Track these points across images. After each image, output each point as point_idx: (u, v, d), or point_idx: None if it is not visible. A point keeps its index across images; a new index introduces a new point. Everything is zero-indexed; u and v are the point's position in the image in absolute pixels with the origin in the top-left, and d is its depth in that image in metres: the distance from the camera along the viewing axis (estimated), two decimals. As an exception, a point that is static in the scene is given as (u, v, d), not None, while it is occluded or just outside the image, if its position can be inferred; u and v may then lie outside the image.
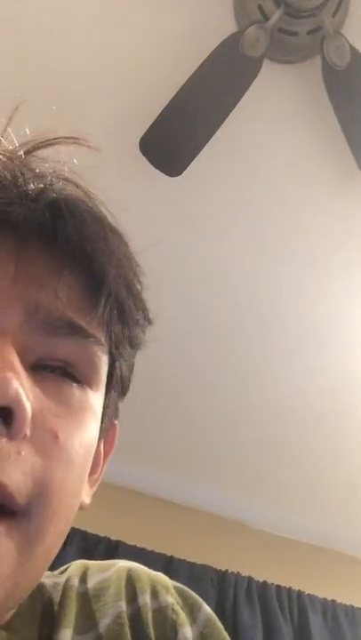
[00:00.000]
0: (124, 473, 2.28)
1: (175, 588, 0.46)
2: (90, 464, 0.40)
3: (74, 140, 0.39)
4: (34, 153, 0.37)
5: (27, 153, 0.37)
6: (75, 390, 0.36)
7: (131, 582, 0.44)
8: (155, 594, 0.44)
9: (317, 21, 1.23)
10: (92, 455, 0.39)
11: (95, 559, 1.86)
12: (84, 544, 2.02)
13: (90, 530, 2.05)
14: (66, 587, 0.43)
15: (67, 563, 1.81)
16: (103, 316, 0.36)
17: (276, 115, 1.42)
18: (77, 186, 0.38)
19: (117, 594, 0.43)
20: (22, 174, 0.35)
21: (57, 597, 0.42)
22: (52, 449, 0.33)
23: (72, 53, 1.35)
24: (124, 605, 0.42)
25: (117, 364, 0.41)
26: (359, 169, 1.36)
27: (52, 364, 0.35)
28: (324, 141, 1.45)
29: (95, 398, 0.38)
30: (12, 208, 0.34)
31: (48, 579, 0.44)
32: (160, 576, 0.47)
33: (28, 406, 0.31)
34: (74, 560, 1.78)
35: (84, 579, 0.44)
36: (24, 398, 0.30)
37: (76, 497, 0.38)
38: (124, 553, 2.05)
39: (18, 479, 0.31)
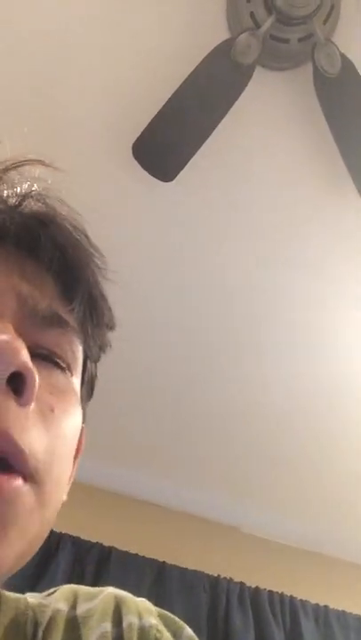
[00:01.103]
0: (117, 478, 2.28)
1: (159, 612, 0.49)
2: (74, 449, 0.42)
3: (40, 163, 0.44)
4: (8, 173, 0.42)
5: (4, 171, 0.42)
6: (60, 375, 0.39)
7: (117, 606, 0.46)
8: (140, 616, 0.46)
9: (309, 29, 1.24)
10: (77, 441, 0.42)
11: (88, 565, 1.86)
12: (76, 550, 2.01)
13: (82, 536, 2.05)
14: (54, 610, 0.45)
15: (60, 568, 1.81)
16: (80, 311, 0.41)
17: (267, 121, 1.43)
18: (53, 199, 0.43)
19: (103, 616, 0.45)
20: (5, 191, 0.41)
21: (43, 619, 0.43)
22: (51, 422, 0.36)
23: (66, 59, 1.36)
24: (109, 627, 0.44)
25: (89, 362, 0.46)
26: (350, 174, 1.37)
27: (40, 352, 0.38)
28: (316, 147, 1.46)
29: (77, 384, 0.42)
30: None
31: (34, 599, 0.46)
32: (146, 602, 0.49)
33: (36, 375, 0.33)
34: (66, 565, 1.78)
35: (74, 605, 0.46)
36: (32, 365, 0.33)
37: (68, 475, 0.40)
38: (116, 559, 2.04)
39: (31, 445, 0.33)
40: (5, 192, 0.41)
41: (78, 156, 1.49)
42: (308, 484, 2.25)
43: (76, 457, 0.48)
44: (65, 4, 1.29)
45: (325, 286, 1.72)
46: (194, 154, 1.34)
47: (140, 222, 1.62)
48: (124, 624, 0.44)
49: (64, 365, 0.40)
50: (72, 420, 0.39)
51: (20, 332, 0.35)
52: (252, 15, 1.24)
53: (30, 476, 0.33)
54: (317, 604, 2.20)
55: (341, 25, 1.28)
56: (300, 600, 2.18)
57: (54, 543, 1.99)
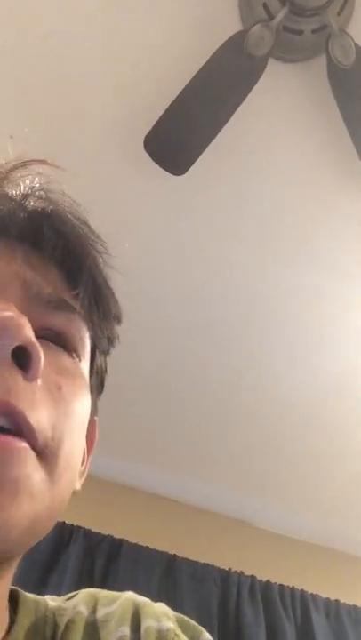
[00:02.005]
0: (128, 471, 2.29)
1: (177, 617, 0.49)
2: (84, 434, 0.42)
3: (43, 162, 0.45)
4: (13, 172, 0.44)
5: (9, 171, 0.44)
6: (67, 358, 0.40)
7: (136, 611, 0.46)
8: (158, 620, 0.46)
9: (323, 20, 1.22)
10: (86, 425, 0.42)
11: (98, 558, 1.88)
12: (87, 542, 2.03)
13: (93, 528, 2.06)
14: (74, 612, 0.45)
15: (71, 560, 1.83)
16: (85, 297, 0.42)
17: (280, 114, 1.42)
18: (56, 193, 0.44)
19: (122, 620, 0.45)
20: (10, 188, 0.42)
21: (61, 621, 0.44)
22: (59, 399, 0.36)
23: (77, 52, 1.35)
24: (127, 631, 0.44)
25: (97, 353, 0.46)
26: (364, 168, 1.36)
27: (46, 334, 0.39)
28: (330, 140, 1.44)
29: (85, 368, 0.42)
30: (3, 214, 0.41)
31: (55, 602, 0.46)
32: (163, 606, 0.49)
33: (41, 350, 0.33)
34: (77, 558, 1.80)
35: (94, 609, 0.46)
36: (37, 342, 0.33)
37: (79, 457, 0.41)
38: (127, 551, 2.05)
39: (40, 421, 0.33)
40: (10, 190, 0.42)
41: (90, 149, 1.49)
42: (319, 480, 2.25)
43: (89, 450, 0.48)
44: (76, 0, 1.29)
45: (336, 283, 1.70)
46: (206, 147, 1.34)
47: (151, 215, 1.62)
48: (142, 628, 0.45)
49: (71, 348, 0.41)
50: (81, 401, 0.39)
51: (26, 315, 0.35)
52: (265, 6, 1.23)
53: (40, 451, 0.34)
54: (328, 599, 2.20)
55: (356, 16, 1.26)
56: (311, 594, 2.18)
57: (66, 535, 2.00)
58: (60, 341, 0.40)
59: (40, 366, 0.34)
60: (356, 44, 1.22)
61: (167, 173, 1.40)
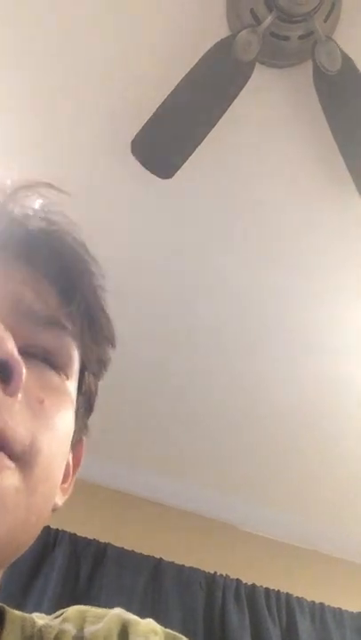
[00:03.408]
0: (112, 474, 2.28)
1: (166, 633, 0.48)
2: (67, 451, 0.42)
3: (48, 185, 0.45)
4: (19, 191, 0.44)
5: (14, 190, 0.44)
6: (54, 375, 0.40)
7: (124, 628, 0.46)
8: (146, 637, 0.46)
9: (309, 26, 1.23)
10: (70, 443, 0.42)
11: (84, 562, 1.87)
12: (72, 547, 2.01)
13: (78, 532, 2.05)
14: (61, 630, 0.44)
15: (56, 565, 1.82)
16: (77, 317, 0.42)
17: (267, 118, 1.43)
18: (57, 214, 0.44)
19: (109, 638, 0.45)
20: (13, 207, 0.43)
21: (49, 638, 0.43)
22: (40, 413, 0.36)
23: (65, 55, 1.35)
24: None
25: (86, 374, 0.46)
26: (349, 172, 1.37)
27: (33, 351, 0.39)
28: (315, 145, 1.46)
29: (71, 386, 0.42)
30: (3, 232, 0.41)
31: (42, 620, 0.46)
32: (151, 623, 0.49)
33: (23, 365, 0.33)
34: (62, 562, 1.79)
35: (81, 627, 0.46)
36: (19, 356, 0.33)
37: (59, 472, 0.40)
38: (112, 556, 2.04)
39: (18, 432, 0.33)
40: (13, 209, 0.43)
41: (77, 152, 1.48)
42: (305, 482, 2.26)
43: (75, 469, 0.48)
44: (66, 3, 1.28)
45: (325, 286, 1.72)
46: (193, 151, 1.34)
47: (138, 219, 1.62)
48: None
49: (58, 366, 0.40)
50: (63, 415, 0.39)
51: (13, 331, 0.35)
52: (252, 12, 1.24)
53: (17, 459, 0.33)
54: (314, 602, 2.21)
55: (342, 23, 1.28)
56: (297, 597, 2.18)
57: (51, 539, 1.99)
58: (48, 359, 0.40)
59: (21, 381, 0.33)
60: (341, 51, 1.23)
61: (155, 177, 1.40)
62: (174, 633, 0.49)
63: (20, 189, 0.44)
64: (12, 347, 0.33)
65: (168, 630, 0.49)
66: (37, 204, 0.44)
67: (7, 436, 0.33)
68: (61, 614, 0.48)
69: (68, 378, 0.41)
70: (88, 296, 0.43)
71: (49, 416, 0.37)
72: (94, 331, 0.44)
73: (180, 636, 0.48)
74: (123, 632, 0.46)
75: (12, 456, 0.33)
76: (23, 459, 0.34)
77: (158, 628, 0.48)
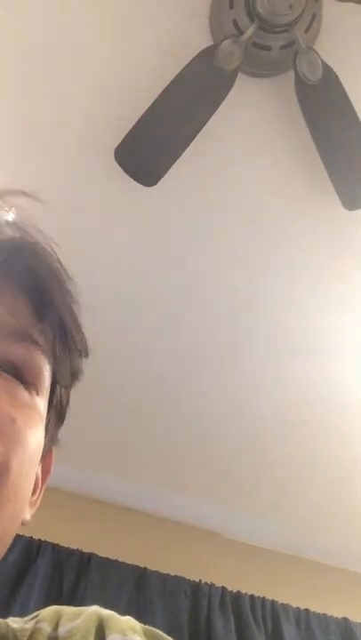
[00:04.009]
0: (95, 483, 2.26)
1: (145, 630, 0.47)
2: (37, 466, 0.42)
3: (22, 194, 0.45)
4: None
5: None
6: (24, 392, 0.40)
7: (100, 625, 0.45)
8: (124, 633, 0.45)
9: (290, 37, 1.25)
10: (39, 457, 0.42)
11: (67, 572, 1.85)
12: (55, 557, 1.99)
13: (61, 542, 2.03)
14: (35, 629, 0.44)
15: (39, 575, 1.80)
16: (50, 332, 0.42)
17: (250, 127, 1.44)
18: (30, 227, 0.44)
19: (86, 636, 0.44)
20: None
21: (24, 637, 0.43)
22: (11, 432, 0.36)
23: (48, 63, 1.35)
24: None
25: (58, 387, 0.46)
26: (331, 181, 1.39)
27: (5, 367, 0.39)
28: (297, 154, 1.47)
29: (41, 402, 0.42)
30: None
31: (17, 624, 0.45)
32: (130, 620, 0.48)
33: None
34: (45, 573, 1.77)
35: (56, 625, 0.45)
36: None
37: (28, 490, 0.40)
38: (96, 565, 2.02)
39: None
40: None
41: (60, 160, 1.48)
42: (289, 489, 2.26)
43: (44, 479, 0.48)
44: (50, 10, 1.29)
45: (307, 291, 1.73)
46: (177, 159, 1.35)
47: (121, 226, 1.62)
48: None
49: (29, 382, 0.40)
50: (34, 434, 0.39)
51: None
52: (234, 22, 1.25)
53: None
54: (299, 608, 2.21)
55: (323, 33, 1.29)
56: (282, 604, 2.18)
57: (34, 550, 1.97)
58: (19, 374, 0.40)
59: None
60: (322, 61, 1.25)
61: (138, 184, 1.40)
62: (154, 630, 0.48)
63: None
64: None
65: (147, 627, 0.48)
66: (11, 214, 0.43)
67: None
68: (35, 616, 0.47)
69: (37, 393, 0.41)
70: (62, 312, 0.43)
71: (20, 435, 0.37)
72: (67, 345, 0.44)
73: (160, 632, 0.47)
74: (100, 628, 0.45)
75: None
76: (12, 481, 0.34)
77: (137, 625, 0.47)
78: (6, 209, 0.44)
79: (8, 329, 0.39)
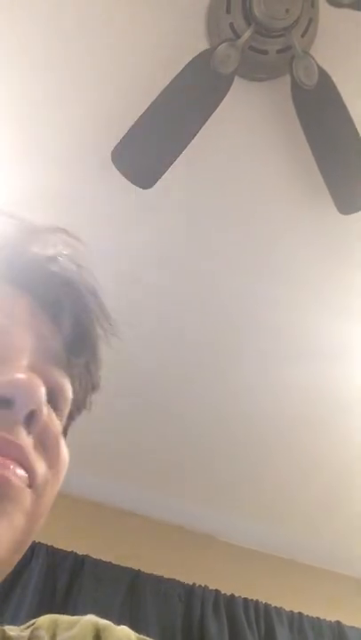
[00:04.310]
0: (90, 486, 2.26)
1: (139, 639, 0.49)
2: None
3: (64, 232, 0.48)
4: (44, 233, 0.47)
5: (39, 232, 0.47)
6: (55, 417, 0.42)
7: (97, 634, 0.47)
8: None
9: (287, 41, 1.25)
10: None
11: (61, 574, 1.84)
12: (49, 559, 1.99)
13: (55, 544, 2.02)
14: (32, 637, 0.45)
15: (33, 578, 1.79)
16: (78, 369, 0.46)
17: (245, 131, 1.45)
18: (77, 264, 0.47)
19: None
20: (38, 247, 0.46)
21: None
22: (49, 454, 0.39)
23: (46, 67, 1.35)
24: None
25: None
26: (326, 185, 1.39)
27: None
28: (293, 158, 1.48)
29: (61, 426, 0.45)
30: (28, 271, 0.44)
31: (13, 631, 0.46)
32: (125, 629, 0.49)
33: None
34: (39, 575, 1.76)
35: (53, 634, 0.46)
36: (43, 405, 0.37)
37: (51, 505, 0.43)
38: (90, 568, 2.02)
39: (37, 468, 0.37)
40: (38, 249, 0.45)
41: (57, 162, 1.48)
42: (283, 493, 2.27)
43: None
44: (48, 13, 1.29)
45: (304, 294, 1.73)
46: (173, 162, 1.35)
47: (118, 228, 1.62)
48: None
49: (58, 407, 0.43)
50: (64, 455, 0.42)
51: (34, 366, 0.39)
52: (231, 26, 1.26)
53: (34, 487, 0.37)
54: (292, 612, 2.21)
55: (319, 38, 1.30)
56: (275, 607, 2.18)
57: (28, 552, 1.95)
58: (52, 400, 0.42)
59: (41, 426, 0.37)
60: (318, 66, 1.26)
61: (135, 186, 1.40)
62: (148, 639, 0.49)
63: (44, 231, 0.46)
64: (42, 396, 0.36)
65: (142, 637, 0.49)
66: (62, 250, 0.46)
67: (34, 468, 0.36)
68: (33, 624, 0.47)
69: (61, 419, 0.44)
70: (93, 352, 0.47)
71: (55, 456, 0.40)
72: (90, 381, 0.48)
73: None
74: (96, 638, 0.46)
75: (32, 485, 0.37)
76: (38, 489, 0.37)
77: (133, 634, 0.48)
78: (49, 245, 0.46)
79: (53, 353, 0.42)
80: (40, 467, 0.38)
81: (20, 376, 0.36)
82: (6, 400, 0.36)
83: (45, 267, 0.44)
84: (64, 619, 0.48)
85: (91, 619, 0.48)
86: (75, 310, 0.45)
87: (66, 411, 0.45)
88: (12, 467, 0.35)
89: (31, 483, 0.37)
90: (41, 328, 0.42)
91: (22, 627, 0.48)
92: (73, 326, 0.45)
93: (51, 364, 0.42)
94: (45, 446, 0.39)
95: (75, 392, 0.46)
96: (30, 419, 0.36)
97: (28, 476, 0.36)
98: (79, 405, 0.49)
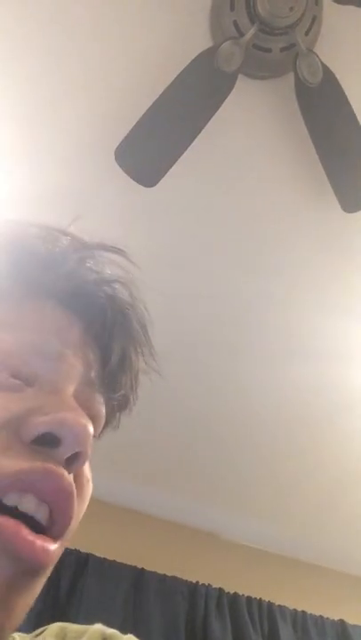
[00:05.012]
0: (94, 484, 2.26)
1: None
2: None
3: (121, 254, 0.48)
4: (99, 251, 0.47)
5: (94, 249, 0.47)
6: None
7: None
8: None
9: (291, 39, 1.25)
10: None
11: (64, 572, 1.85)
12: (53, 557, 1.99)
13: (59, 542, 2.02)
14: None
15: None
16: (119, 399, 0.46)
17: (249, 129, 1.44)
18: (132, 291, 0.47)
19: None
20: (93, 266, 0.45)
21: None
22: (83, 492, 0.39)
23: (50, 66, 1.35)
24: None
25: None
26: (330, 184, 1.39)
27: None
28: (297, 156, 1.47)
29: None
30: (82, 296, 0.44)
31: (22, 639, 0.46)
32: (132, 638, 0.49)
33: None
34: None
35: None
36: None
37: None
38: (94, 566, 2.02)
39: (75, 516, 0.37)
40: (92, 269, 0.45)
41: (60, 160, 1.48)
42: (286, 492, 2.26)
43: None
44: (51, 11, 1.29)
45: (307, 293, 1.73)
46: (177, 160, 1.35)
47: (120, 227, 1.62)
48: None
49: (94, 434, 0.43)
50: (89, 492, 0.42)
51: (78, 395, 0.39)
52: (235, 24, 1.25)
53: (63, 539, 0.36)
54: (295, 610, 2.21)
55: (323, 36, 1.30)
56: (279, 605, 2.18)
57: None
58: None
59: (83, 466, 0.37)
60: (322, 64, 1.25)
61: (138, 185, 1.40)
62: None
63: (98, 249, 0.46)
64: (90, 438, 0.35)
65: None
66: (116, 272, 0.46)
67: (72, 516, 0.36)
68: (41, 632, 0.48)
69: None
70: (134, 386, 0.47)
71: (87, 493, 0.40)
72: (123, 408, 0.49)
73: None
74: None
75: (60, 536, 0.36)
76: (66, 535, 0.37)
77: None
78: (104, 266, 0.46)
79: (97, 383, 0.42)
80: (74, 511, 0.37)
81: (71, 415, 0.35)
82: (54, 438, 0.34)
83: (100, 292, 0.44)
84: (72, 627, 0.48)
85: (98, 628, 0.48)
86: (124, 343, 0.45)
87: (96, 435, 0.45)
88: (52, 547, 0.34)
89: (61, 531, 0.36)
90: (90, 356, 0.42)
91: (31, 635, 0.48)
92: (120, 359, 0.44)
93: (94, 393, 0.42)
94: (77, 486, 0.38)
95: (108, 417, 0.46)
96: (73, 459, 0.36)
97: (65, 526, 0.36)
98: (107, 426, 0.49)
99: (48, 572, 0.37)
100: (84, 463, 0.37)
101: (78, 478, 0.38)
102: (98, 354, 0.43)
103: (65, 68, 1.36)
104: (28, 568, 0.33)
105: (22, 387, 0.37)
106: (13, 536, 0.32)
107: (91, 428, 0.36)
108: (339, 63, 1.29)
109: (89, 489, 0.40)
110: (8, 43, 1.33)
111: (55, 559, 0.35)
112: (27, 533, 0.32)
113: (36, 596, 0.36)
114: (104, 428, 0.48)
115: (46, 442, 0.34)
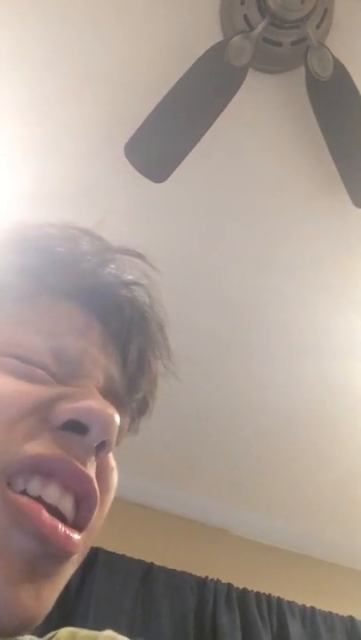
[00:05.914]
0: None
1: None
2: None
3: (142, 258, 0.47)
4: (121, 255, 0.47)
5: (116, 252, 0.47)
6: (111, 453, 0.43)
7: None
8: None
9: (302, 32, 1.24)
10: None
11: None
12: (63, 551, 2.00)
13: (69, 536, 2.03)
14: None
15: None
16: (137, 403, 0.46)
17: (260, 123, 1.44)
18: (153, 295, 0.47)
19: None
20: (115, 269, 0.45)
21: None
22: (106, 483, 0.40)
23: (59, 61, 1.35)
24: None
25: None
26: (341, 178, 1.38)
27: None
28: (308, 151, 1.46)
29: None
30: (101, 297, 0.44)
31: None
32: None
33: None
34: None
35: None
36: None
37: None
38: (103, 560, 2.03)
39: (97, 511, 0.38)
40: (113, 272, 0.45)
41: (70, 156, 1.48)
42: (296, 487, 2.26)
43: None
44: (59, 8, 1.29)
45: (316, 290, 1.72)
46: (186, 155, 1.34)
47: (130, 222, 1.61)
48: None
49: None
50: (115, 484, 0.43)
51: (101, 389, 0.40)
52: (245, 18, 1.24)
53: (89, 529, 0.37)
54: (304, 606, 2.21)
55: (334, 29, 1.28)
56: (288, 601, 2.18)
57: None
58: None
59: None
60: (333, 57, 1.24)
61: (147, 180, 1.40)
62: None
63: (118, 252, 0.46)
64: (117, 428, 0.36)
65: None
66: (136, 275, 0.46)
67: (96, 503, 0.37)
68: (52, 637, 0.48)
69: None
70: (152, 389, 0.48)
71: (112, 482, 0.42)
72: (142, 412, 0.49)
73: None
74: None
75: (84, 525, 0.37)
76: (92, 529, 0.38)
77: None
78: (125, 269, 0.46)
79: (116, 390, 0.42)
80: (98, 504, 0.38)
81: (98, 404, 0.36)
82: (82, 426, 0.35)
83: (120, 294, 0.44)
84: (83, 633, 0.49)
85: (110, 634, 0.48)
86: (142, 346, 0.45)
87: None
88: (75, 535, 0.35)
89: (85, 521, 0.36)
90: (108, 358, 0.43)
91: (43, 638, 0.48)
92: (138, 362, 0.45)
93: (111, 396, 0.42)
94: (102, 476, 0.39)
95: (126, 421, 0.46)
96: (100, 448, 0.36)
97: (89, 513, 0.36)
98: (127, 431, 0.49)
99: (75, 563, 0.37)
100: (109, 452, 0.38)
101: (103, 467, 0.39)
102: (116, 358, 0.43)
103: (74, 64, 1.36)
104: (52, 552, 0.34)
105: (50, 380, 0.38)
106: (37, 518, 0.33)
107: (117, 418, 0.36)
108: (350, 56, 1.27)
109: (114, 478, 0.41)
110: (17, 39, 1.33)
111: (79, 549, 0.36)
112: (50, 517, 0.33)
113: (64, 584, 0.36)
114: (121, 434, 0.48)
115: (74, 429, 0.35)
